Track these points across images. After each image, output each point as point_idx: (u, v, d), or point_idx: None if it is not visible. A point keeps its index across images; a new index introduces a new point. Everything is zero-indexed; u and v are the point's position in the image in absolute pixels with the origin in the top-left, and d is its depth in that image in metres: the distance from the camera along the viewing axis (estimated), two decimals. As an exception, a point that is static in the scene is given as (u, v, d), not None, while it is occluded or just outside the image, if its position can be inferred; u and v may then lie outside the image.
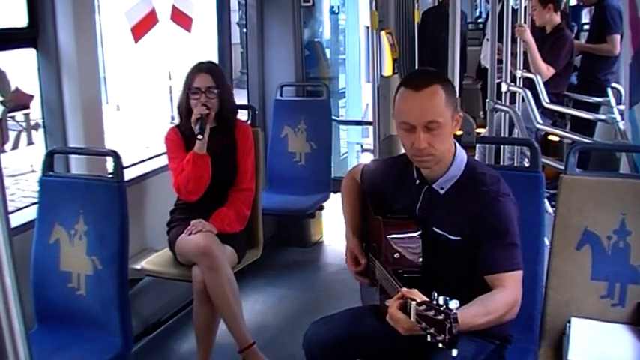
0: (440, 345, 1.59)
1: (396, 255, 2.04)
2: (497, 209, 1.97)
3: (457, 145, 2.08)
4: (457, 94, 2.55)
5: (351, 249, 2.33)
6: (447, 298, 1.62)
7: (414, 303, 1.67)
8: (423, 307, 1.64)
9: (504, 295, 1.91)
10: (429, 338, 1.61)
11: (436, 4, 7.09)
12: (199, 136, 3.07)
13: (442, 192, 2.07)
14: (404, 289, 1.78)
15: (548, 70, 4.89)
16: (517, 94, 4.68)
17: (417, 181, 2.12)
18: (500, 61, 4.52)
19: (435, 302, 1.63)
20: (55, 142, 3.06)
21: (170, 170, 3.23)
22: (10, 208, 0.87)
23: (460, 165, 2.06)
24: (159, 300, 3.67)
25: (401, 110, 2.00)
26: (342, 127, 5.93)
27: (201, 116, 3.09)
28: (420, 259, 2.05)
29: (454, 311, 1.58)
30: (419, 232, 2.08)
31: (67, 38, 2.95)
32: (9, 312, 0.83)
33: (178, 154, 3.19)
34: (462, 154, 2.07)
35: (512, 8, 4.70)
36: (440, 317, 1.59)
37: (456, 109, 2.03)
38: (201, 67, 3.20)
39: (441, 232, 2.05)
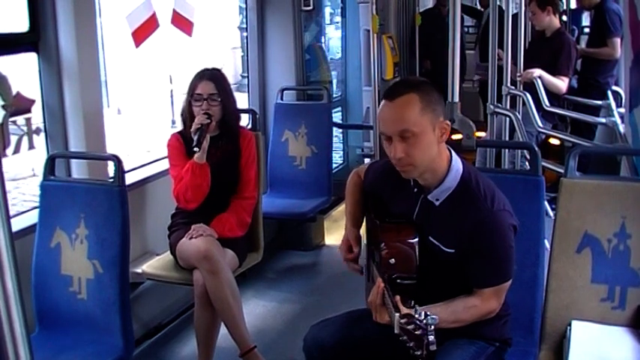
0: None
1: (392, 260, 2.03)
2: (492, 226, 1.97)
3: (453, 154, 2.06)
4: (455, 97, 2.55)
5: (346, 237, 2.33)
6: (427, 312, 1.66)
7: (397, 315, 1.71)
8: (404, 321, 1.68)
9: (479, 310, 2.02)
10: (410, 352, 1.65)
11: (431, 5, 7.10)
12: (195, 149, 3.06)
13: (437, 203, 2.06)
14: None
15: (564, 81, 4.89)
16: (517, 98, 4.68)
17: (415, 189, 2.11)
18: (500, 67, 4.53)
19: (416, 316, 1.66)
20: (56, 147, 3.06)
21: (171, 177, 3.23)
22: (11, 212, 0.88)
23: (456, 175, 2.03)
24: (160, 304, 3.67)
25: (379, 120, 2.03)
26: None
27: (201, 126, 3.09)
28: (416, 266, 2.04)
29: (432, 328, 1.63)
30: (416, 239, 2.06)
31: (68, 42, 2.95)
32: (10, 316, 0.83)
33: (179, 161, 3.19)
34: (457, 165, 2.04)
35: (512, 13, 4.69)
36: (418, 332, 1.64)
37: (440, 116, 1.98)
38: (204, 74, 3.20)
39: (436, 243, 2.04)
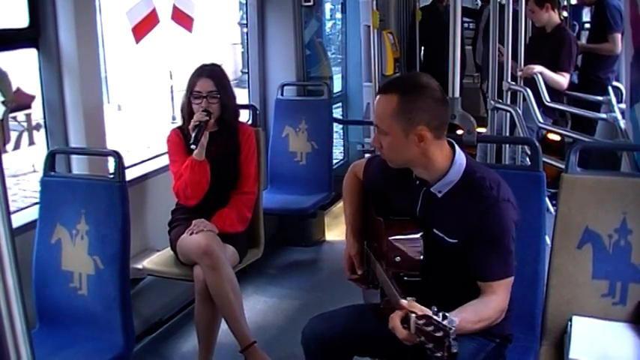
0: None
1: (397, 258, 2.02)
2: (496, 216, 1.96)
3: (456, 149, 2.06)
4: (456, 93, 2.55)
5: (350, 254, 2.32)
6: (446, 313, 1.63)
7: (413, 316, 1.68)
8: (422, 322, 1.65)
9: (497, 304, 1.98)
10: (428, 352, 1.62)
11: (429, 2, 7.10)
12: (192, 146, 3.06)
13: (440, 195, 2.06)
14: (403, 302, 1.77)
15: (565, 77, 4.88)
16: (518, 93, 4.68)
17: (417, 182, 2.12)
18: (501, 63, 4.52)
19: (434, 317, 1.64)
20: (56, 142, 3.06)
21: (171, 173, 3.23)
22: (11, 209, 0.87)
23: (459, 169, 2.03)
24: (160, 300, 3.67)
25: None
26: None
27: (199, 123, 3.08)
28: (420, 263, 2.04)
29: (453, 330, 1.59)
30: (420, 234, 2.06)
31: (68, 38, 2.95)
32: (11, 312, 0.83)
33: (179, 156, 3.19)
34: (460, 159, 2.05)
35: (513, 9, 4.67)
36: (439, 334, 1.60)
37: (418, 124, 1.95)
38: (203, 71, 3.19)
39: (440, 234, 2.04)
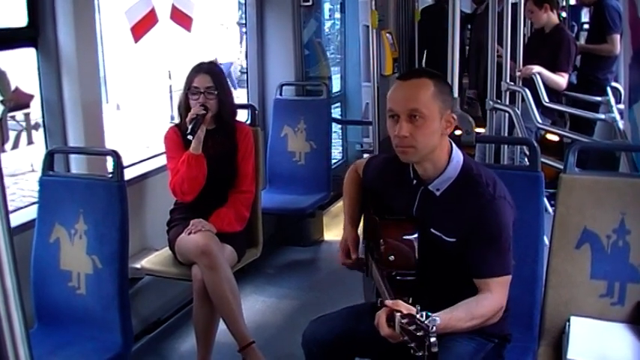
0: None
1: (391, 257, 2.02)
2: (493, 213, 1.97)
3: (453, 146, 2.07)
4: (453, 94, 2.56)
5: (345, 239, 2.33)
6: (429, 313, 1.65)
7: (398, 315, 1.69)
8: (405, 321, 1.66)
9: (491, 302, 1.98)
10: (411, 351, 1.63)
11: (433, 2, 7.08)
12: (189, 137, 3.07)
13: (438, 193, 2.06)
14: (388, 301, 1.80)
15: (564, 78, 4.88)
16: (517, 94, 4.68)
17: (414, 181, 2.12)
18: (500, 64, 4.53)
19: (417, 316, 1.65)
20: (55, 142, 3.06)
21: (168, 170, 3.23)
22: (10, 208, 0.88)
23: (456, 166, 2.05)
24: (159, 299, 3.67)
25: (389, 98, 2.04)
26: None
27: (196, 116, 3.09)
28: (415, 262, 2.04)
29: (433, 330, 1.60)
30: (415, 235, 2.06)
31: (67, 37, 2.95)
32: (9, 312, 0.83)
33: (176, 153, 3.19)
34: (458, 156, 2.06)
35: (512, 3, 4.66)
36: (420, 334, 1.62)
37: (448, 109, 2.02)
38: (201, 68, 3.20)
39: (438, 234, 2.04)
